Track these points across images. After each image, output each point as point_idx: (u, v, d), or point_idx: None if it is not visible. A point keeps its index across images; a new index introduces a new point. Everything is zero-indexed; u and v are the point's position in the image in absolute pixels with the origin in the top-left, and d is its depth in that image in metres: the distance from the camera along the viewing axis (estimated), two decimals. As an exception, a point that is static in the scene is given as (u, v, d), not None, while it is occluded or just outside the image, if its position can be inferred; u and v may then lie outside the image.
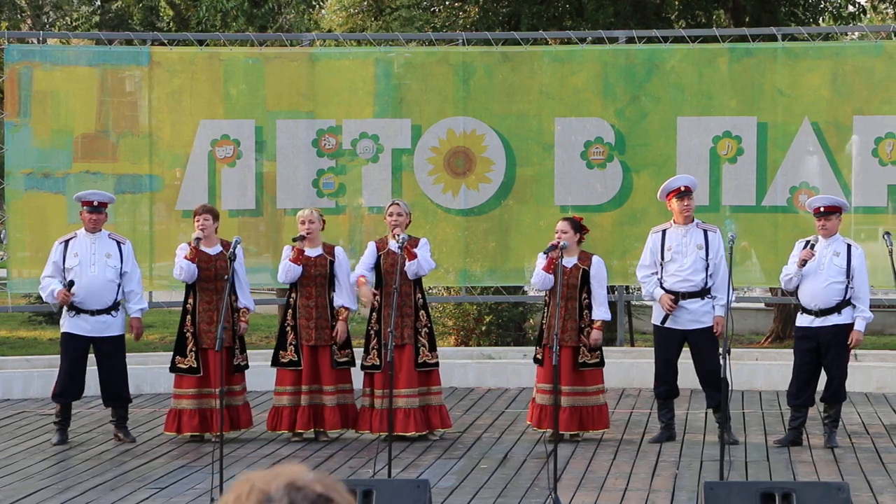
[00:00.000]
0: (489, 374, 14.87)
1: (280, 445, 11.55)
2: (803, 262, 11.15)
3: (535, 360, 11.78)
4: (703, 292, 11.46)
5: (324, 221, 11.92)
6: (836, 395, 11.29)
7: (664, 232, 11.64)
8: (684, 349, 11.70)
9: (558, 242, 11.35)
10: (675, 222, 11.60)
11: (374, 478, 9.88)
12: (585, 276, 11.52)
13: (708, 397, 11.52)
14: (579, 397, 11.53)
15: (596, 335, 11.52)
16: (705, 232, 11.55)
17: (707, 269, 11.45)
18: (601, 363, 11.62)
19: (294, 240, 11.74)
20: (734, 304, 11.29)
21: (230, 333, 11.49)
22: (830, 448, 11.17)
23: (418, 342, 11.64)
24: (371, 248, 11.78)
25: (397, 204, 11.83)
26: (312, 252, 11.69)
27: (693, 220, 11.63)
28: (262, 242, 14.40)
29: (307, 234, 11.62)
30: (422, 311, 11.73)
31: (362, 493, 7.84)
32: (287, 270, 11.63)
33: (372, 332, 11.65)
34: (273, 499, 2.57)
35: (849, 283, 11.19)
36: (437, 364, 11.76)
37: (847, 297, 11.20)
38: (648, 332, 20.71)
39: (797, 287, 11.32)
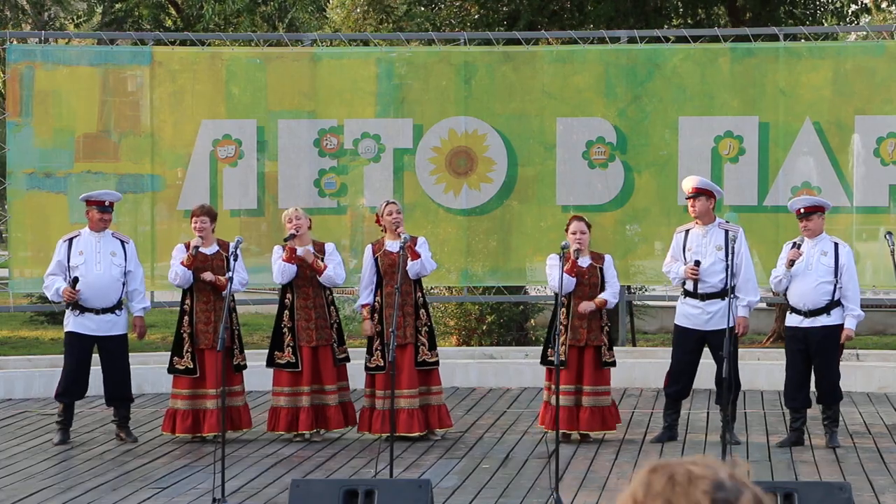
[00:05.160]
0: (491, 374, 14.86)
1: (281, 445, 11.55)
2: (791, 263, 11.15)
3: (549, 363, 11.59)
4: (723, 293, 11.39)
5: (310, 220, 11.89)
6: (831, 395, 11.29)
7: (687, 232, 11.64)
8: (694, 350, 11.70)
9: (580, 245, 11.39)
10: (696, 223, 11.59)
11: (376, 478, 9.88)
12: (602, 274, 11.56)
13: (718, 395, 11.50)
14: (601, 397, 11.54)
15: (587, 306, 11.45)
16: (726, 232, 11.52)
17: (727, 270, 11.39)
18: (615, 363, 11.67)
19: (285, 240, 11.70)
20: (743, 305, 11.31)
21: (230, 333, 11.49)
22: (832, 448, 11.17)
23: (418, 341, 11.64)
24: (368, 258, 11.71)
25: (395, 203, 11.82)
26: (303, 251, 11.66)
27: (715, 220, 11.61)
28: (264, 242, 14.39)
29: (296, 230, 11.60)
30: (422, 310, 11.73)
31: (364, 493, 7.84)
32: (283, 271, 11.59)
33: (373, 332, 11.64)
34: (727, 486, 2.52)
35: (837, 281, 11.18)
36: (436, 363, 11.75)
37: (836, 297, 11.19)
38: (650, 332, 20.75)
39: (786, 288, 11.33)
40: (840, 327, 11.21)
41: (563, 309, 11.46)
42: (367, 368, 11.65)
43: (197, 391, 11.67)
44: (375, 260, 11.65)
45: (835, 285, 11.18)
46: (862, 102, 14.25)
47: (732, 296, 10.96)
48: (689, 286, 11.51)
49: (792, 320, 11.34)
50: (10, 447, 11.58)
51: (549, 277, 11.55)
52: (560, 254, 11.03)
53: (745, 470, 2.59)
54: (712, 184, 11.87)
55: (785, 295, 11.44)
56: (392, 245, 11.57)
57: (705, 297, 11.46)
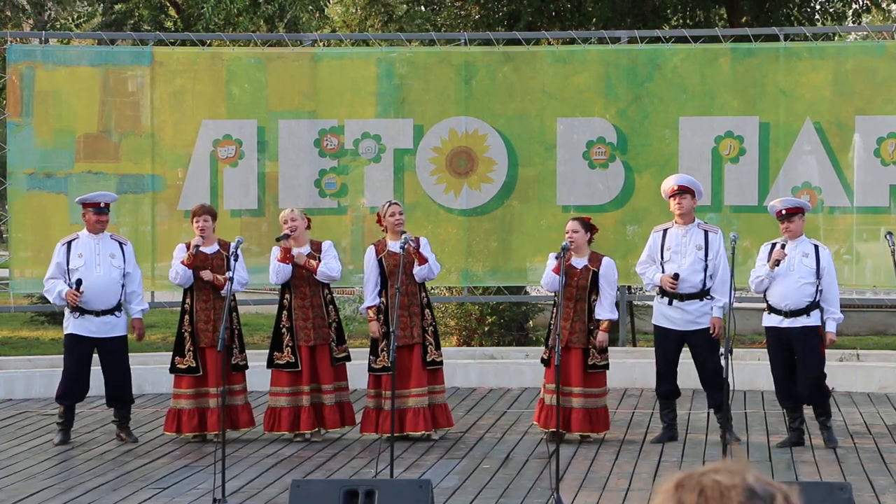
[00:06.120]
0: (491, 375, 14.86)
1: (282, 445, 11.55)
2: (777, 262, 11.14)
3: (543, 361, 11.71)
4: (702, 293, 11.44)
5: (309, 220, 11.88)
6: (818, 394, 11.27)
7: (665, 231, 11.64)
8: (684, 350, 11.70)
9: (571, 244, 11.32)
10: (676, 222, 11.59)
11: (377, 478, 9.88)
12: (595, 277, 11.48)
13: (709, 397, 11.54)
14: (590, 399, 11.51)
15: (602, 337, 11.42)
16: (706, 232, 11.54)
17: (706, 270, 11.42)
18: (607, 366, 11.61)
19: (277, 239, 11.74)
20: (736, 305, 11.27)
21: (230, 333, 11.50)
22: (832, 448, 11.16)
23: (425, 341, 11.64)
24: (371, 259, 11.70)
25: (397, 203, 11.82)
26: (301, 251, 11.67)
27: (694, 220, 11.62)
28: (265, 243, 14.37)
29: (291, 231, 11.60)
30: (427, 310, 11.73)
31: (364, 494, 7.84)
32: (277, 271, 11.61)
33: (380, 333, 11.63)
34: (758, 491, 2.48)
35: (819, 283, 11.18)
36: (442, 362, 11.77)
37: (817, 299, 11.18)
38: (650, 332, 20.72)
39: (766, 289, 11.31)
40: (818, 328, 11.20)
41: (554, 309, 11.50)
42: (371, 369, 11.65)
43: (200, 390, 11.68)
44: (380, 261, 11.66)
45: (817, 287, 11.18)
46: (862, 102, 14.25)
47: (710, 297, 11.04)
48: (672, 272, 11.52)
49: (771, 321, 11.32)
50: (10, 447, 11.58)
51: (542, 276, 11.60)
52: (561, 254, 11.06)
53: (747, 466, 2.55)
54: (696, 182, 11.87)
55: (764, 295, 11.41)
56: (395, 245, 11.57)
57: (684, 297, 11.46)
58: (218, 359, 11.42)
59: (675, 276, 11.39)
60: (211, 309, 11.68)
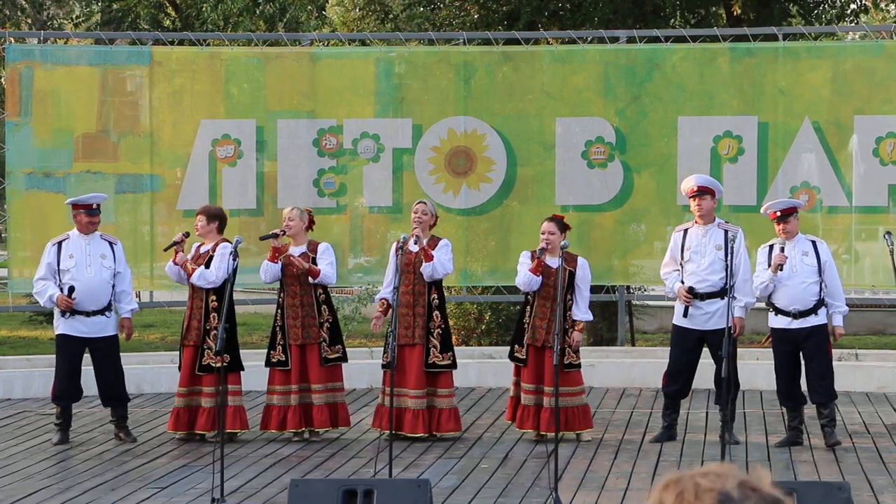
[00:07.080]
0: (490, 374, 14.86)
1: (280, 445, 11.54)
2: (779, 267, 11.12)
3: (513, 359, 11.64)
4: (723, 292, 11.37)
5: (312, 221, 11.86)
6: (827, 394, 11.26)
7: (685, 231, 11.62)
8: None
9: (548, 245, 11.29)
10: (696, 222, 11.57)
11: (375, 478, 9.88)
12: (572, 278, 11.46)
13: (718, 395, 11.50)
14: (564, 398, 11.42)
15: (577, 337, 11.41)
16: (726, 232, 11.50)
17: (726, 270, 11.37)
18: (580, 364, 11.58)
19: (262, 238, 11.78)
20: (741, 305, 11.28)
21: (200, 332, 11.53)
22: (832, 447, 11.15)
23: (429, 343, 11.60)
24: (391, 254, 11.71)
25: (423, 203, 11.79)
26: (296, 250, 11.67)
27: (714, 220, 11.58)
28: (263, 243, 14.38)
29: (282, 231, 11.61)
30: (436, 312, 11.65)
31: (363, 493, 7.84)
32: (265, 270, 11.65)
33: (388, 331, 11.62)
34: (733, 498, 2.48)
35: (822, 280, 11.17)
36: (448, 366, 11.67)
37: (822, 296, 11.18)
38: (649, 331, 20.74)
39: (771, 293, 11.29)
40: (826, 325, 11.19)
41: (528, 307, 11.48)
42: (382, 365, 11.71)
43: (182, 389, 11.73)
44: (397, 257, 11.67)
45: (821, 284, 11.18)
46: (861, 102, 14.26)
47: (731, 296, 10.95)
48: (687, 284, 11.49)
49: (779, 322, 11.29)
50: (8, 447, 11.58)
51: (518, 274, 11.55)
52: (538, 253, 11.11)
53: (760, 475, 2.54)
54: (715, 181, 11.85)
55: (769, 298, 11.39)
56: (412, 245, 11.56)
57: (704, 296, 11.44)
58: (190, 359, 11.53)
59: (690, 290, 11.38)
60: (190, 308, 11.73)
